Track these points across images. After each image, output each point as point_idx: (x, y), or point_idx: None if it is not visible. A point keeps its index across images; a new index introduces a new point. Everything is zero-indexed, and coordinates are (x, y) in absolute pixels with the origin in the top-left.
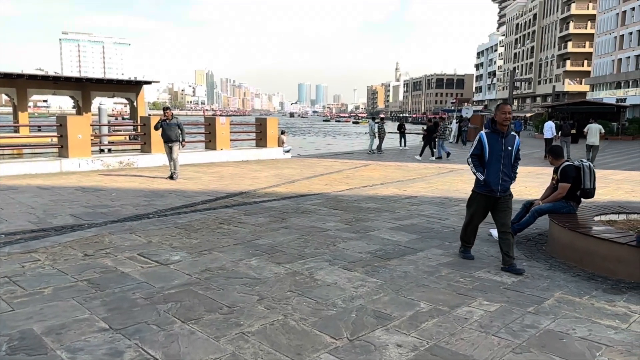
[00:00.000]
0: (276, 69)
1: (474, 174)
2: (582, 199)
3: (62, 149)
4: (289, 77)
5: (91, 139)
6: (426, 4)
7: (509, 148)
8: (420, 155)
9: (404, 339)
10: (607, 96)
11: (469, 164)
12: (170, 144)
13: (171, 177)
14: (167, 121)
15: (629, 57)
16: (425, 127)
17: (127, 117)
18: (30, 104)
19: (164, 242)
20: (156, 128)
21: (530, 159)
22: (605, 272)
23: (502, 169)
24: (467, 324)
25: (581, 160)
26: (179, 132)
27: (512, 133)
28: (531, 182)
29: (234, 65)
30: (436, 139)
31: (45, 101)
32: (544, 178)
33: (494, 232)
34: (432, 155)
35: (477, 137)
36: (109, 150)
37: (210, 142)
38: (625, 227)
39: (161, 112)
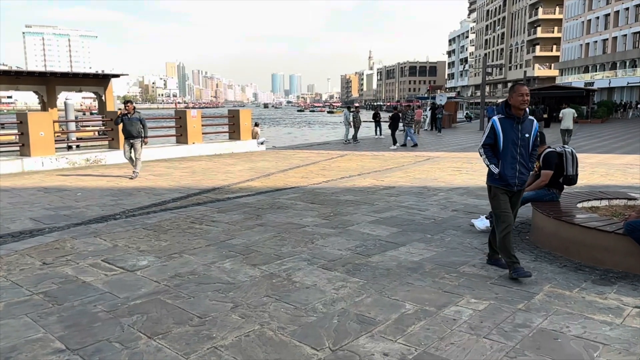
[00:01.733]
0: (249, 60)
1: (487, 166)
2: (564, 186)
3: (24, 148)
4: (262, 68)
5: (57, 136)
6: None
7: (526, 135)
8: (394, 144)
9: (391, 346)
10: (576, 80)
11: (480, 155)
12: (132, 140)
13: (131, 178)
14: (129, 115)
15: (596, 42)
16: (389, 115)
17: (96, 112)
18: None
19: (131, 246)
20: (116, 123)
21: None
22: (592, 261)
23: (519, 160)
24: (456, 326)
25: (563, 146)
26: (142, 127)
27: (530, 117)
28: None
29: (205, 56)
30: (405, 128)
31: (10, 97)
32: None
33: (477, 222)
34: (394, 144)
35: (489, 124)
36: (77, 147)
37: (181, 136)
38: (608, 214)
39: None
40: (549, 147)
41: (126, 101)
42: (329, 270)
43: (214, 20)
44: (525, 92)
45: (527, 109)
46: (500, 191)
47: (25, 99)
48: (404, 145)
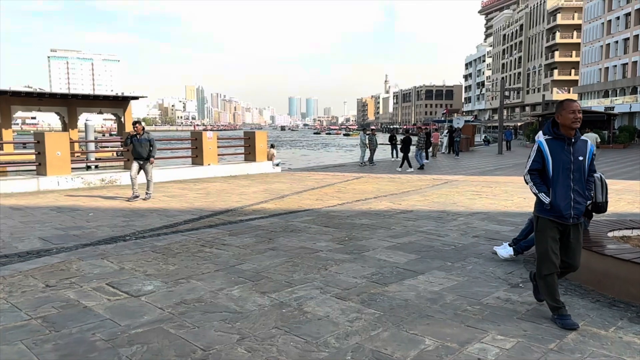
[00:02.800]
0: (266, 83)
1: (535, 194)
2: (593, 214)
3: (40, 167)
4: (279, 91)
5: (77, 156)
6: (413, 16)
7: (580, 158)
8: (408, 166)
9: None
10: (596, 105)
11: (527, 182)
12: (141, 162)
13: (135, 197)
14: (138, 136)
15: (615, 66)
16: (401, 139)
17: (115, 133)
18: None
19: (138, 269)
20: (126, 144)
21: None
22: (627, 297)
23: (572, 187)
24: None
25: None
26: (151, 148)
27: (582, 138)
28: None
29: (224, 80)
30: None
31: (34, 118)
32: None
33: (500, 250)
34: (400, 167)
35: (535, 147)
36: (96, 167)
37: (197, 158)
38: None
39: (148, 127)
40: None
41: (135, 122)
42: (342, 300)
43: (233, 45)
44: (577, 108)
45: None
46: (550, 225)
47: (49, 119)
48: (422, 167)
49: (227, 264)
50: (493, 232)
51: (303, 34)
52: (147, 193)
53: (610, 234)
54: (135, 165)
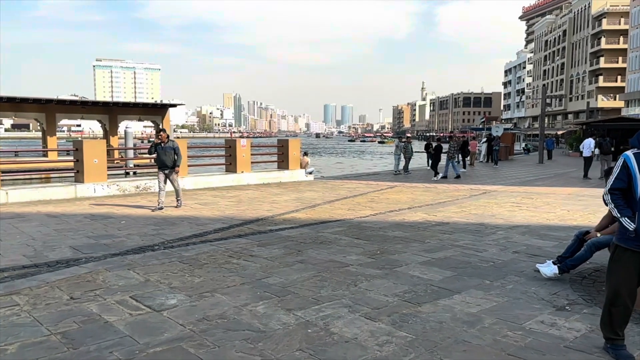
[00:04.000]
0: (302, 90)
1: (617, 219)
2: None
3: (78, 174)
4: (314, 99)
5: (117, 162)
6: (451, 23)
7: None
8: (435, 175)
9: None
10: None
11: (606, 203)
12: (165, 171)
13: (160, 209)
14: (162, 145)
15: None
16: (432, 146)
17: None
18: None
19: (163, 281)
20: (150, 153)
21: (569, 179)
22: None
23: None
24: None
25: None
26: (176, 157)
27: None
28: (574, 206)
29: (261, 87)
30: (447, 159)
31: (79, 125)
32: (587, 200)
33: (543, 268)
34: (435, 176)
35: (620, 162)
36: (134, 174)
37: (230, 165)
38: None
39: (187, 134)
40: None
41: (159, 130)
42: (372, 321)
43: (270, 52)
44: None
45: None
46: (630, 257)
47: (93, 127)
48: (445, 177)
49: (253, 277)
50: (535, 247)
51: (340, 40)
52: (177, 200)
53: None
54: (161, 176)
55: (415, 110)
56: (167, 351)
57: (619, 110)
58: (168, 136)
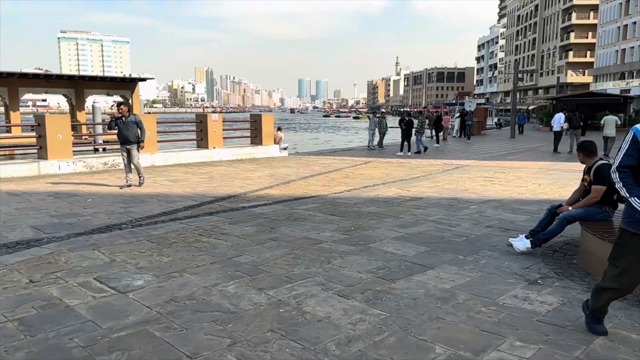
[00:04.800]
0: (276, 65)
1: (626, 198)
2: (619, 204)
3: (41, 151)
4: (289, 73)
5: (85, 139)
6: None
7: None
8: (401, 150)
9: None
10: (611, 87)
11: (613, 182)
12: (128, 147)
13: (129, 186)
14: (123, 119)
15: (632, 47)
16: (402, 122)
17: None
18: (29, 103)
19: (129, 261)
20: (110, 128)
21: (540, 154)
22: None
23: None
24: None
25: None
26: (139, 131)
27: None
28: (544, 180)
29: (233, 62)
30: (416, 134)
31: (44, 100)
32: (557, 174)
33: (516, 243)
34: (409, 151)
35: (629, 136)
36: (104, 150)
37: (202, 141)
38: None
39: (159, 108)
40: (602, 159)
41: (119, 103)
42: (345, 299)
43: (243, 25)
44: None
45: None
46: (638, 240)
47: (61, 102)
48: (418, 152)
49: (224, 256)
50: (507, 221)
51: (314, 14)
52: (140, 177)
53: None
54: (122, 152)
55: (389, 85)
56: (131, 336)
57: (587, 85)
58: (129, 109)
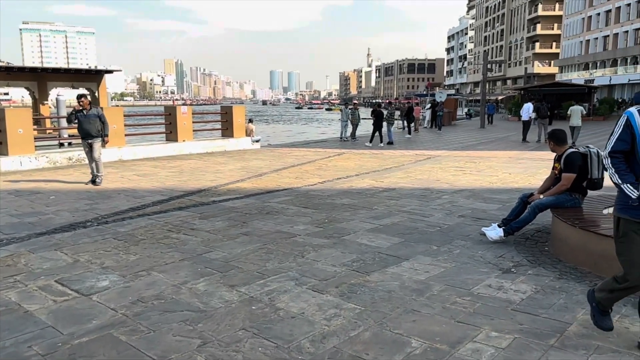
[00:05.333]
0: (247, 57)
1: (617, 185)
2: (588, 191)
3: (1, 146)
4: (260, 65)
5: (49, 133)
6: None
7: None
8: (371, 141)
9: None
10: (576, 77)
11: (605, 168)
12: (89, 141)
13: (93, 182)
14: (85, 112)
15: (596, 38)
16: (373, 113)
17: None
18: None
19: (94, 261)
20: (69, 121)
21: (509, 143)
22: None
23: None
24: None
25: (587, 146)
26: (101, 125)
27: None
28: (514, 169)
29: (204, 53)
30: (387, 125)
31: (6, 94)
32: (526, 163)
33: (489, 232)
34: (381, 142)
35: (622, 120)
36: (69, 144)
37: (171, 134)
38: None
39: (129, 101)
40: (572, 147)
41: (80, 95)
42: (319, 293)
43: (214, 16)
44: None
45: None
46: (635, 228)
47: (24, 95)
48: (391, 142)
49: (194, 252)
50: (479, 211)
51: (285, 6)
52: (97, 176)
53: (605, 212)
54: (84, 147)
55: (361, 77)
56: (95, 341)
57: (553, 76)
58: (90, 102)
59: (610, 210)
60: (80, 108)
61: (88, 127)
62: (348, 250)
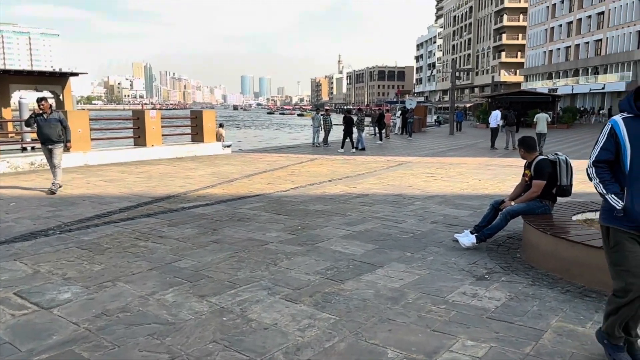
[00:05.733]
0: (218, 61)
1: (602, 195)
2: (557, 198)
3: None
4: (231, 70)
5: (11, 137)
6: None
7: None
8: (342, 147)
9: None
10: (540, 87)
11: (590, 178)
12: (50, 146)
13: (52, 192)
14: (45, 116)
15: (559, 49)
16: (343, 119)
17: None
18: None
19: (56, 272)
20: (27, 125)
21: (478, 150)
22: (598, 285)
23: None
24: None
25: (556, 154)
26: (62, 129)
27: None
28: (484, 175)
29: (173, 57)
30: (357, 131)
31: None
32: (495, 170)
33: (462, 238)
34: (353, 147)
35: (606, 129)
36: (32, 149)
37: (139, 138)
38: None
39: (98, 105)
40: (541, 154)
41: (40, 99)
42: (293, 303)
43: (182, 20)
44: None
45: None
46: (626, 237)
47: None
48: (363, 149)
49: (162, 261)
50: (451, 217)
51: (256, 11)
52: (53, 184)
53: (574, 218)
54: (45, 152)
55: (332, 83)
56: (55, 358)
57: (519, 84)
58: (51, 106)
59: (579, 216)
60: (41, 112)
61: (48, 131)
62: (322, 257)
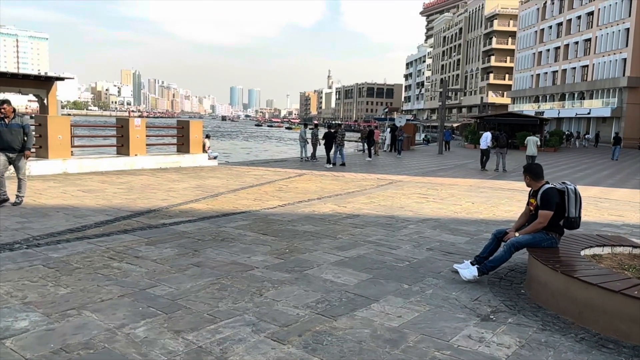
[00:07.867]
0: (207, 71)
1: None
2: (564, 230)
3: None
4: (220, 80)
5: None
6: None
7: None
8: (328, 162)
9: None
10: (527, 109)
11: None
12: (10, 155)
13: (15, 203)
14: (6, 121)
15: (546, 73)
16: (324, 134)
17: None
18: None
19: (15, 294)
20: None
21: (468, 171)
22: (615, 334)
23: None
24: None
25: (564, 182)
26: (24, 137)
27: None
28: (477, 198)
29: (162, 66)
30: (338, 146)
31: None
32: (488, 192)
33: (462, 270)
34: (328, 162)
35: None
36: None
37: (122, 147)
38: (616, 266)
39: (96, 111)
40: (548, 182)
41: (1, 102)
42: (280, 343)
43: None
44: None
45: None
46: None
47: None
48: (343, 164)
49: (136, 286)
50: (448, 243)
51: (248, 23)
52: (17, 196)
53: (582, 253)
54: (2, 159)
55: (321, 97)
56: None
57: (506, 106)
58: (14, 110)
59: (587, 251)
60: (1, 116)
61: (9, 138)
62: (311, 287)
